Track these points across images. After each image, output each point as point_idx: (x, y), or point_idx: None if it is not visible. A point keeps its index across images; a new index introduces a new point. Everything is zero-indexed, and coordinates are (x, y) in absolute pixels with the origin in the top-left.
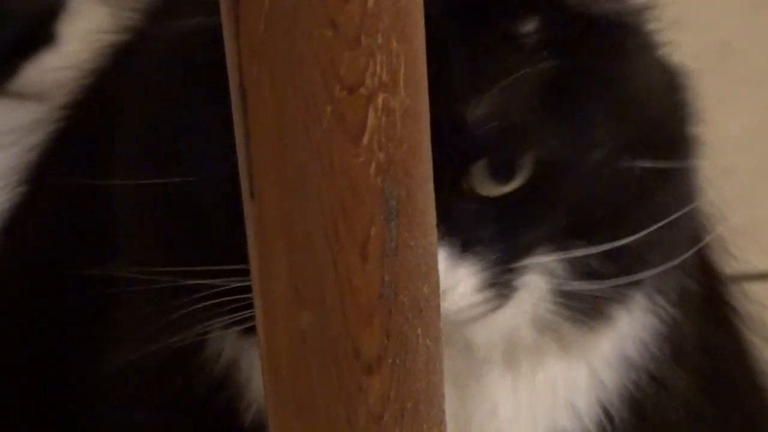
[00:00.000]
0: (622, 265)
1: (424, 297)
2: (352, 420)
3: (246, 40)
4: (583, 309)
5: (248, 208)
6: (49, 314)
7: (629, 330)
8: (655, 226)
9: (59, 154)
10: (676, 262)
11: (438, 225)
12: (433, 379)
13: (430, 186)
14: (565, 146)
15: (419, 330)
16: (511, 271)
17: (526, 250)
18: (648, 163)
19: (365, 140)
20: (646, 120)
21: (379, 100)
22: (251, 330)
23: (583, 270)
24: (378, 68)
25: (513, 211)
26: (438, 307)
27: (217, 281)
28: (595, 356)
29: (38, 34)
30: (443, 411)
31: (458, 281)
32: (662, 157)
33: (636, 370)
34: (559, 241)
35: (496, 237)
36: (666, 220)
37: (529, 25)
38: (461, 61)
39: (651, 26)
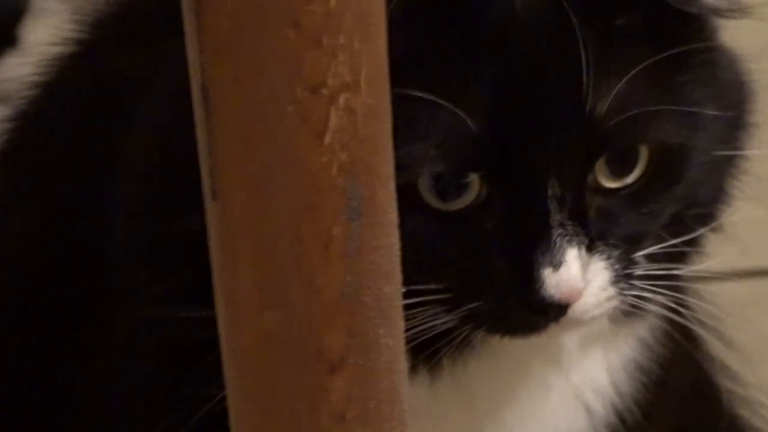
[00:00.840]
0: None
1: (386, 297)
2: (315, 419)
3: (208, 39)
4: (626, 303)
5: (210, 209)
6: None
7: (642, 332)
8: (727, 212)
9: (11, 163)
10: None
11: (569, 224)
12: (395, 379)
13: (392, 186)
14: (679, 131)
15: (381, 330)
16: (630, 264)
17: (645, 242)
18: (731, 151)
19: (327, 140)
20: (729, 105)
21: (341, 100)
22: None
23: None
24: (340, 68)
25: (634, 202)
26: (400, 306)
27: None
28: (616, 356)
29: (1, 36)
30: (405, 411)
31: (590, 279)
32: (736, 147)
33: (645, 374)
34: (667, 228)
35: (620, 230)
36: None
37: (635, 18)
38: (589, 55)
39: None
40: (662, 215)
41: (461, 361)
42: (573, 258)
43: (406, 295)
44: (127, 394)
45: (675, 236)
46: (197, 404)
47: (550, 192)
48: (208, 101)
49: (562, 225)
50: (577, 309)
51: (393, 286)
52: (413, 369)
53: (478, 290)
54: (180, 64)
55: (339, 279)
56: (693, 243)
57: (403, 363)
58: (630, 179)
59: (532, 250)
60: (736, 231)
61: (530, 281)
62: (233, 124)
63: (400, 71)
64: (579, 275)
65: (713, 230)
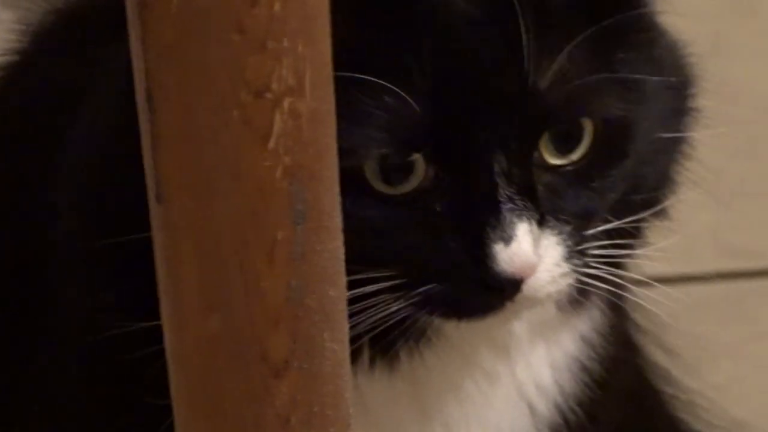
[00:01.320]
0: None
1: (331, 300)
2: (260, 423)
3: (152, 43)
4: (579, 282)
5: (155, 212)
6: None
7: (585, 331)
8: (673, 199)
9: None
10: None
11: (518, 198)
12: (340, 383)
13: (337, 189)
14: (621, 104)
15: (326, 334)
16: (582, 241)
17: (595, 219)
18: (674, 133)
19: (272, 144)
20: (670, 87)
21: (286, 104)
22: None
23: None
24: (284, 72)
25: (583, 179)
26: (345, 310)
27: None
28: (559, 354)
29: None
30: (350, 414)
31: (542, 254)
32: (682, 130)
33: (588, 373)
34: (614, 208)
35: (570, 206)
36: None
37: None
38: (529, 30)
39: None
40: (611, 192)
41: (418, 353)
42: (524, 232)
43: (358, 284)
44: (60, 411)
45: (622, 219)
46: (145, 415)
47: (496, 168)
48: (152, 105)
49: (511, 200)
50: (531, 285)
51: (338, 290)
52: (372, 362)
53: (431, 273)
54: (121, 72)
55: (283, 283)
56: (638, 231)
57: (347, 366)
58: (576, 156)
59: (483, 226)
60: (676, 235)
61: (483, 258)
62: (178, 128)
63: (343, 56)
64: (531, 249)
65: (658, 216)
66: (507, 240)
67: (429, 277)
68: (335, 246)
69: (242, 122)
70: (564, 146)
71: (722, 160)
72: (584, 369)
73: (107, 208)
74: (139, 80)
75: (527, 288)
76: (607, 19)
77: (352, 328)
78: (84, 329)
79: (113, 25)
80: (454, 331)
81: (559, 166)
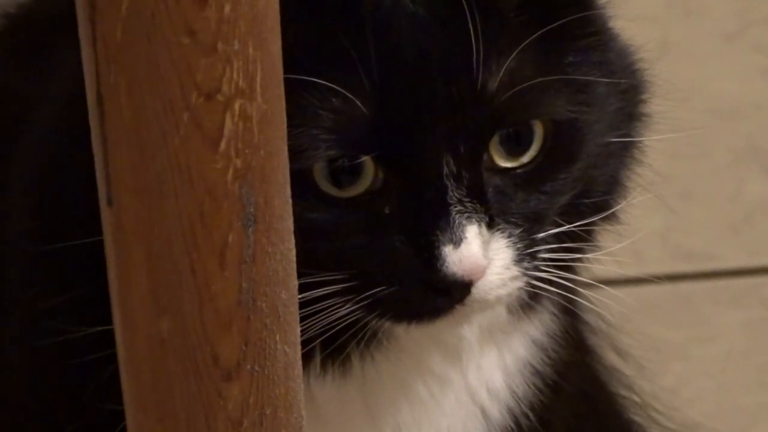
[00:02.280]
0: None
1: (282, 303)
2: (212, 426)
3: (103, 46)
4: (528, 285)
5: (106, 215)
6: None
7: (537, 334)
8: (625, 202)
9: None
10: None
11: (467, 201)
12: (292, 385)
13: (288, 192)
14: (570, 106)
15: (278, 336)
16: (532, 244)
17: (545, 222)
18: (624, 138)
19: (222, 147)
20: (621, 91)
21: (236, 106)
22: None
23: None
24: (235, 74)
25: (533, 182)
26: (296, 312)
27: None
28: (511, 358)
29: None
30: (302, 416)
31: (492, 257)
32: (632, 135)
33: (540, 377)
34: (564, 212)
35: (520, 208)
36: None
37: None
38: (478, 32)
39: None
40: (561, 195)
41: (369, 356)
42: (473, 234)
43: (309, 287)
44: (13, 415)
45: (573, 223)
46: (98, 419)
47: (445, 170)
48: (102, 108)
49: (460, 202)
50: (481, 288)
51: (289, 293)
52: (323, 366)
53: (381, 275)
54: (72, 78)
55: (235, 286)
56: (589, 234)
57: (299, 369)
58: (526, 158)
59: (432, 228)
60: (627, 239)
61: (432, 260)
62: (128, 130)
63: (291, 58)
64: (480, 252)
65: (608, 220)
66: (456, 242)
67: (378, 280)
68: (286, 248)
69: (193, 124)
70: (514, 149)
71: (671, 163)
72: (536, 373)
73: (60, 213)
74: (90, 83)
75: (477, 291)
76: (558, 21)
77: (303, 331)
78: (35, 333)
79: (65, 30)
80: (405, 334)
81: (509, 169)
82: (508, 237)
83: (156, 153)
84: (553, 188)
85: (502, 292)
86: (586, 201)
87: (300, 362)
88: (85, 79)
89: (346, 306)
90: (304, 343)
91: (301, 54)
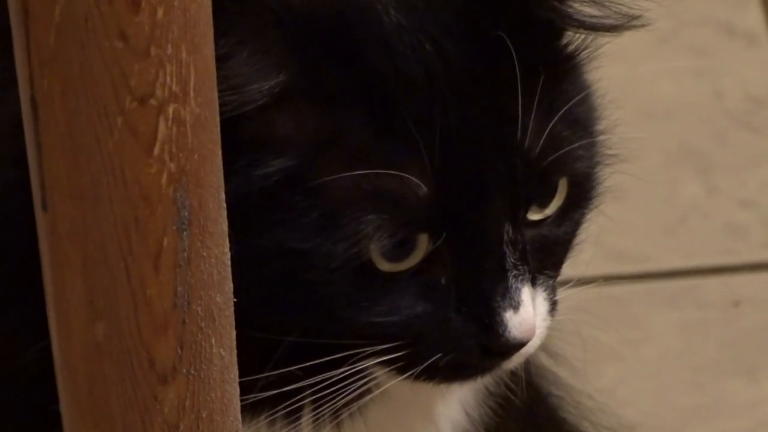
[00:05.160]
0: None
1: (218, 306)
2: (149, 430)
3: (36, 51)
4: None
5: (40, 220)
6: None
7: None
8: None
9: None
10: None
11: (519, 264)
12: (228, 389)
13: (222, 195)
14: (589, 160)
15: (213, 340)
16: (555, 290)
17: (561, 268)
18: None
19: (156, 151)
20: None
21: (170, 110)
22: None
23: None
24: (168, 79)
25: (556, 230)
26: (231, 316)
27: None
28: (468, 390)
29: None
30: (239, 420)
31: (538, 311)
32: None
33: (492, 397)
34: None
35: (549, 259)
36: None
37: (558, 51)
38: (523, 98)
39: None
40: (577, 238)
41: (359, 409)
42: (527, 296)
43: (361, 358)
44: None
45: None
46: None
47: (505, 237)
48: (36, 113)
49: (515, 266)
50: (530, 344)
51: (224, 296)
52: (315, 420)
53: (437, 344)
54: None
55: (170, 289)
56: None
57: (234, 372)
58: (550, 210)
59: (492, 295)
60: None
61: (493, 326)
62: (62, 135)
63: (327, 151)
64: (533, 312)
65: None
66: (515, 307)
67: (434, 349)
68: (221, 251)
69: (127, 129)
70: (543, 202)
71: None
72: (489, 394)
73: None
74: (23, 88)
75: (526, 348)
76: (587, 89)
77: (335, 398)
78: None
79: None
80: (399, 386)
81: (538, 222)
82: (545, 290)
83: (90, 157)
84: (573, 232)
85: (539, 342)
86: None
87: (235, 365)
88: (18, 84)
89: (395, 374)
90: (295, 395)
91: (337, 144)
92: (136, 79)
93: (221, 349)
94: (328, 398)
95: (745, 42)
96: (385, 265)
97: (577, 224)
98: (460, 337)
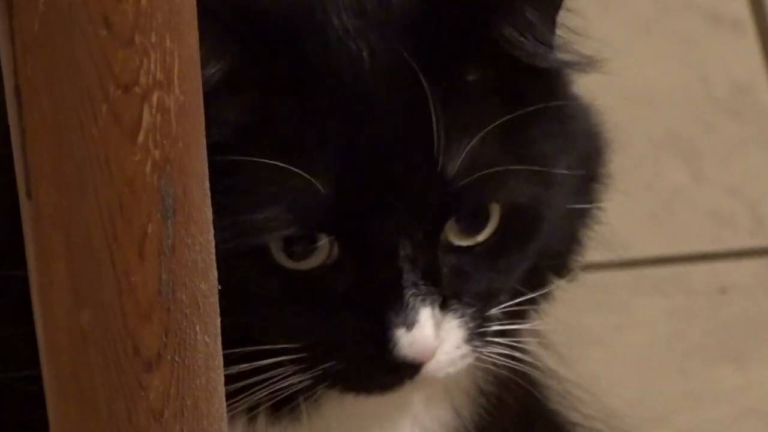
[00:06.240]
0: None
1: (203, 294)
2: (133, 417)
3: (20, 38)
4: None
5: (25, 208)
6: None
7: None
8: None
9: None
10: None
11: (422, 283)
12: (213, 376)
13: (206, 183)
14: (531, 189)
15: (198, 327)
16: (484, 322)
17: (498, 299)
18: (583, 204)
19: (141, 139)
20: (582, 158)
21: (154, 98)
22: None
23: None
24: (152, 66)
25: (488, 260)
26: (216, 303)
27: None
28: (457, 389)
29: None
30: (224, 407)
31: (443, 338)
32: (590, 200)
33: (485, 396)
34: (523, 283)
35: (473, 287)
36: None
37: (483, 76)
38: (439, 115)
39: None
40: (517, 272)
41: (317, 405)
42: (426, 317)
43: (262, 355)
44: None
45: (531, 289)
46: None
47: (402, 253)
48: (20, 101)
49: (415, 285)
50: (430, 367)
51: (209, 283)
52: (272, 415)
53: (332, 350)
54: None
55: (154, 277)
56: (545, 293)
57: (219, 359)
58: (481, 237)
59: (386, 310)
60: None
61: (383, 341)
62: (46, 122)
63: (248, 137)
64: (432, 334)
65: (566, 278)
66: (409, 325)
67: (330, 354)
68: (206, 239)
69: (111, 117)
70: (470, 228)
71: None
72: (481, 392)
73: None
74: (7, 76)
75: (426, 370)
76: (525, 108)
77: (251, 395)
78: None
79: None
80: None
81: (465, 247)
82: (461, 317)
83: (74, 145)
84: (509, 266)
85: (451, 369)
86: (544, 263)
87: (221, 353)
88: (3, 72)
89: (297, 375)
90: (250, 407)
91: (257, 132)
92: (120, 66)
93: (206, 336)
94: (258, 391)
95: (731, 29)
96: (286, 262)
97: (515, 258)
98: (353, 347)
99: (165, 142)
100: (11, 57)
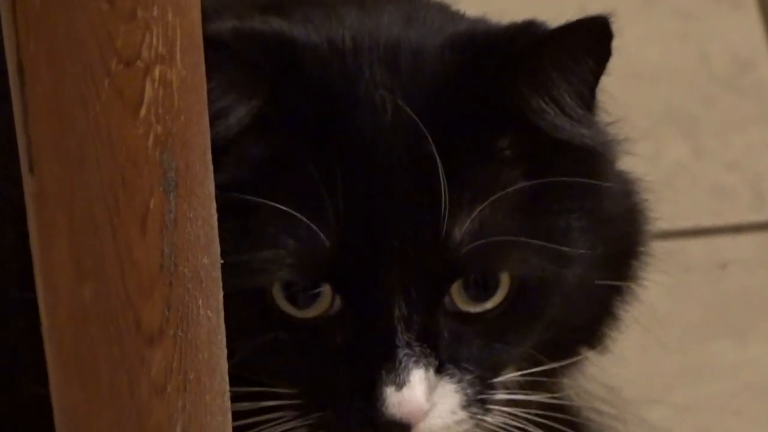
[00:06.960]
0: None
1: (205, 268)
2: (135, 392)
3: (23, 14)
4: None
5: (27, 183)
6: None
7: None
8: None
9: None
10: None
11: (416, 344)
12: (215, 351)
13: (208, 157)
14: (542, 263)
15: (200, 301)
16: (486, 389)
17: (503, 368)
18: (614, 281)
19: (143, 113)
20: (615, 236)
21: (156, 72)
22: None
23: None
24: (154, 41)
25: (493, 329)
26: (219, 278)
27: None
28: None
29: None
30: (226, 382)
31: (437, 401)
32: (624, 277)
33: None
34: (529, 356)
35: (475, 355)
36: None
37: (503, 142)
38: (448, 179)
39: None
40: (524, 344)
41: None
42: (418, 379)
43: (263, 396)
44: None
45: (553, 359)
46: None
47: (396, 312)
48: (23, 76)
49: (408, 345)
50: (421, 430)
51: (211, 258)
52: None
53: (326, 400)
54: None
55: (156, 251)
56: (570, 364)
57: (222, 334)
58: (490, 305)
59: (377, 367)
60: None
61: (372, 398)
62: (49, 98)
63: (258, 178)
64: (423, 396)
65: (597, 351)
66: (399, 385)
67: (323, 404)
68: (208, 214)
69: (113, 91)
70: (479, 294)
71: None
72: None
73: None
74: (10, 52)
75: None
76: (542, 178)
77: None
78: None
79: None
80: None
81: (471, 314)
82: (458, 382)
83: (77, 119)
84: (515, 339)
85: None
86: (569, 338)
87: (223, 328)
88: (5, 49)
89: (294, 420)
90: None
91: (270, 176)
92: (122, 41)
93: (208, 311)
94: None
95: (732, 4)
96: (287, 307)
97: (522, 331)
98: (345, 400)
99: (167, 116)
100: (14, 33)
